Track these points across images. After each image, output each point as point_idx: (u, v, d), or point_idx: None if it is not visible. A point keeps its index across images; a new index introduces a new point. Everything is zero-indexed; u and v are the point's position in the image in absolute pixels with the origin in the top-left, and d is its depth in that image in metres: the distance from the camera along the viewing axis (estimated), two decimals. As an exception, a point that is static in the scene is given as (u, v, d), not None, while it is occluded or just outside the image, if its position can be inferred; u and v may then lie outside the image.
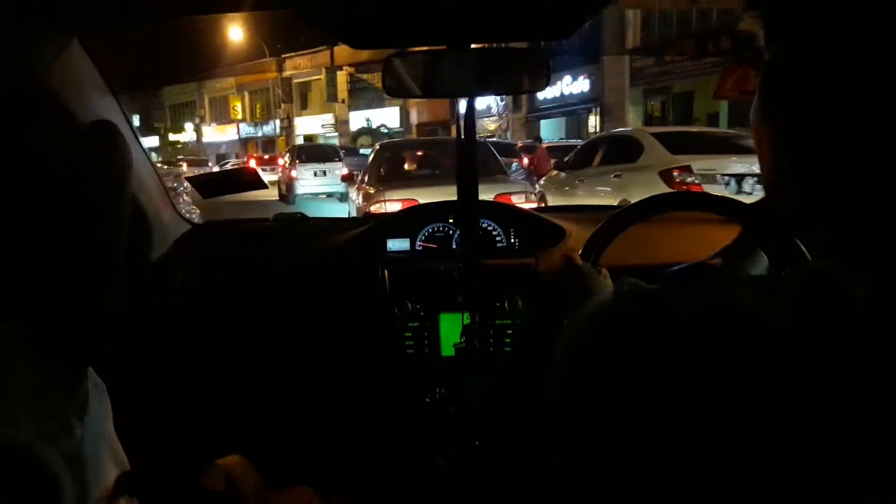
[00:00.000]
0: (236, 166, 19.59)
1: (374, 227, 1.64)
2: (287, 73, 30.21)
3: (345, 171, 10.39)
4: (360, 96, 25.93)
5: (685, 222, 1.40)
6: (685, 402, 0.47)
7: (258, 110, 33.35)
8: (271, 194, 13.54)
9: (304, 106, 30.94)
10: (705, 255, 1.11)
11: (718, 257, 1.06)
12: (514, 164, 11.90)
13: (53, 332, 0.60)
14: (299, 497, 0.94)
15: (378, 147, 7.81)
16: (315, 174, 13.40)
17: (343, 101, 27.14)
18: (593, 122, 17.43)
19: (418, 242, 1.62)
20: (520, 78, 1.19)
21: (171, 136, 37.72)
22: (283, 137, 30.64)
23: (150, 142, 38.30)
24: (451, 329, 1.44)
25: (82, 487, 0.58)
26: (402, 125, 25.06)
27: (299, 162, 13.69)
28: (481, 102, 20.76)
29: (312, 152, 14.79)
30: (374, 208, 5.60)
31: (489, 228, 1.60)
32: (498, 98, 19.63)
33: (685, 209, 1.29)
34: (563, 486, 0.54)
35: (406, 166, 7.04)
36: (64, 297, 0.61)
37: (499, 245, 1.59)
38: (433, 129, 23.42)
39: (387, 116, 25.08)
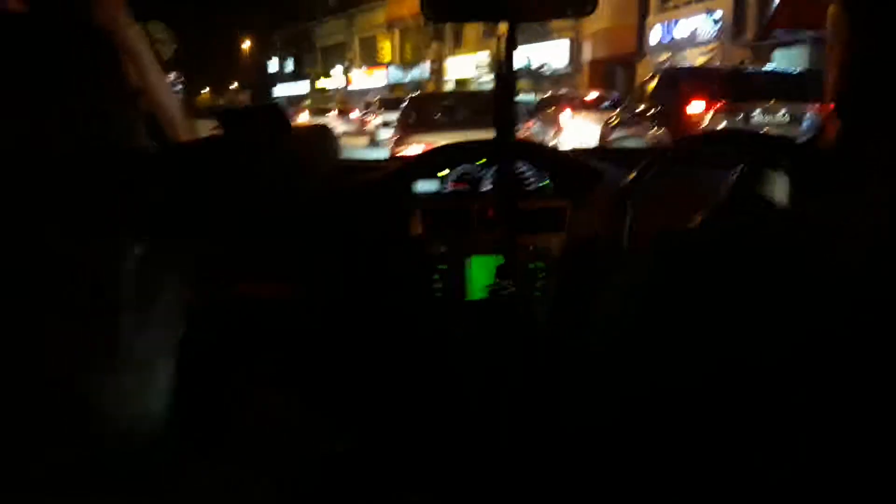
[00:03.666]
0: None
1: (403, 167, 1.61)
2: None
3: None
4: (521, 29, 21.26)
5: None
6: (745, 355, 0.43)
7: (408, 51, 29.91)
8: (363, 142, 15.65)
9: (457, 44, 26.92)
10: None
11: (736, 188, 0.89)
12: (808, 115, 6.83)
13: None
14: None
15: (408, 100, 8.99)
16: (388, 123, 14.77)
17: (499, 38, 22.75)
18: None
19: (448, 183, 1.57)
20: (563, 1, 1.13)
21: (320, 83, 35.50)
22: (432, 81, 27.08)
23: (302, 88, 36.54)
24: (481, 272, 1.44)
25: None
26: (570, 63, 20.22)
27: (384, 110, 15.32)
28: (684, 28, 15.46)
29: (392, 103, 16.02)
30: (398, 149, 6.69)
31: (522, 170, 1.54)
32: (711, 18, 14.30)
33: (729, 148, 1.16)
34: (580, 445, 0.52)
35: (432, 116, 7.82)
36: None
37: (531, 187, 1.54)
38: (610, 67, 18.49)
39: (553, 53, 20.37)
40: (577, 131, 10.00)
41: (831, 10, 0.52)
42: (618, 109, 9.18)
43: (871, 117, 0.51)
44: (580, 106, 10.84)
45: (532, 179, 1.55)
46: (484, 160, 1.55)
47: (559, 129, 10.39)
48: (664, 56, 16.14)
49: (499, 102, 1.15)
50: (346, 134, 18.00)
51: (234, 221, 1.11)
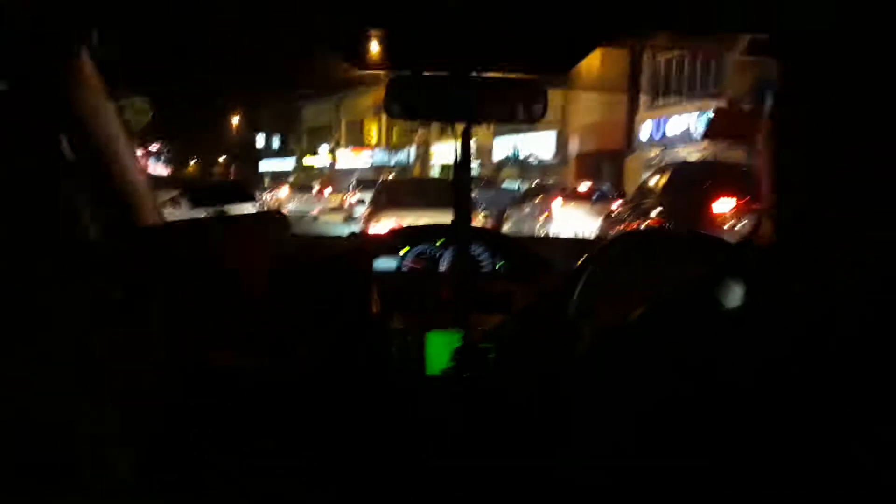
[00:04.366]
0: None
1: (362, 245, 1.73)
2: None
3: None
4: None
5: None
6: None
7: (395, 135, 29.99)
8: (339, 218, 17.26)
9: (444, 130, 27.01)
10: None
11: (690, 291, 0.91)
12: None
13: None
14: None
15: (380, 182, 11.27)
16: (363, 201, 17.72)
17: (488, 127, 22.88)
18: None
19: (405, 263, 1.66)
20: (518, 107, 1.28)
21: (306, 161, 35.42)
22: (417, 166, 26.98)
23: (287, 165, 36.36)
24: (438, 348, 1.46)
25: None
26: (557, 155, 20.13)
27: (361, 189, 16.86)
28: (676, 126, 15.36)
29: (368, 183, 17.43)
30: (370, 224, 8.07)
31: (476, 253, 1.61)
32: (704, 117, 14.18)
33: (674, 246, 1.27)
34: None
35: (401, 197, 8.82)
36: None
37: (484, 270, 1.62)
38: (597, 160, 18.36)
39: (539, 143, 20.32)
40: (568, 221, 9.46)
41: (765, 125, 0.61)
42: (617, 204, 8.65)
43: (798, 217, 0.57)
44: (571, 196, 10.38)
45: (484, 263, 1.61)
46: (441, 241, 1.62)
47: (548, 218, 9.85)
48: (654, 152, 15.99)
49: (457, 191, 1.29)
50: (323, 211, 19.36)
51: (191, 302, 1.16)
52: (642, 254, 1.23)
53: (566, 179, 16.70)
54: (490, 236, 1.76)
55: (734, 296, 0.77)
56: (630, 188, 13.75)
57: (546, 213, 9.95)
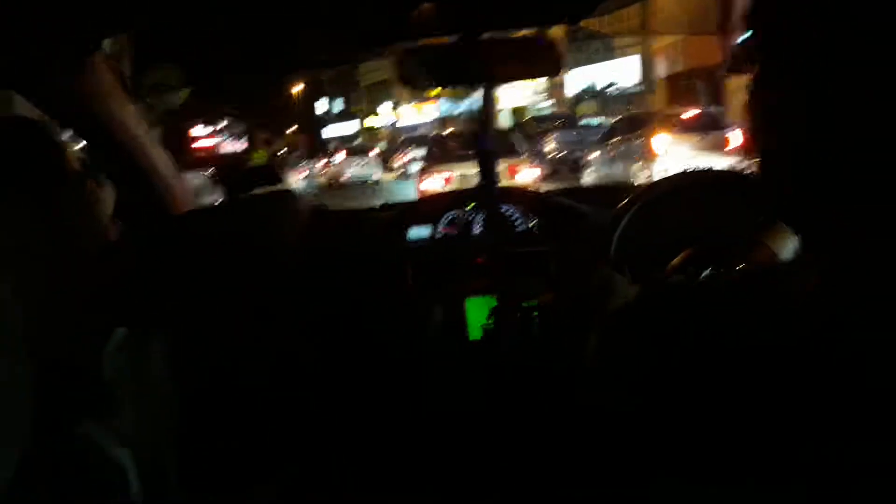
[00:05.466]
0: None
1: (395, 216, 1.66)
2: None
3: None
4: (581, 49, 19.30)
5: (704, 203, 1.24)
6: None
7: (459, 82, 28.22)
8: (393, 176, 17.41)
9: (510, 70, 25.03)
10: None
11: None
12: None
13: None
14: None
15: (432, 138, 11.16)
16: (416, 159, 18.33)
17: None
18: None
19: (439, 229, 1.63)
20: (532, 65, 1.24)
21: (368, 122, 34.18)
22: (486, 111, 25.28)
23: (353, 127, 35.25)
24: (477, 313, 1.47)
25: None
26: (641, 82, 17.94)
27: (413, 147, 16.57)
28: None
29: (419, 140, 17.32)
30: (424, 178, 8.60)
31: (509, 213, 1.60)
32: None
33: (709, 189, 1.20)
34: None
35: (452, 150, 9.16)
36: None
37: (518, 230, 1.60)
38: (689, 81, 16.10)
39: (621, 71, 18.15)
40: (678, 162, 7.66)
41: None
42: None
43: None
44: (677, 127, 8.46)
45: (518, 223, 1.58)
46: (470, 207, 1.60)
47: (650, 158, 8.06)
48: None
49: (482, 155, 1.22)
50: (386, 172, 18.68)
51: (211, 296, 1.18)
52: (684, 198, 1.19)
53: (654, 108, 14.66)
54: (521, 195, 1.63)
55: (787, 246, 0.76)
56: (735, 110, 11.64)
57: (645, 153, 8.18)
